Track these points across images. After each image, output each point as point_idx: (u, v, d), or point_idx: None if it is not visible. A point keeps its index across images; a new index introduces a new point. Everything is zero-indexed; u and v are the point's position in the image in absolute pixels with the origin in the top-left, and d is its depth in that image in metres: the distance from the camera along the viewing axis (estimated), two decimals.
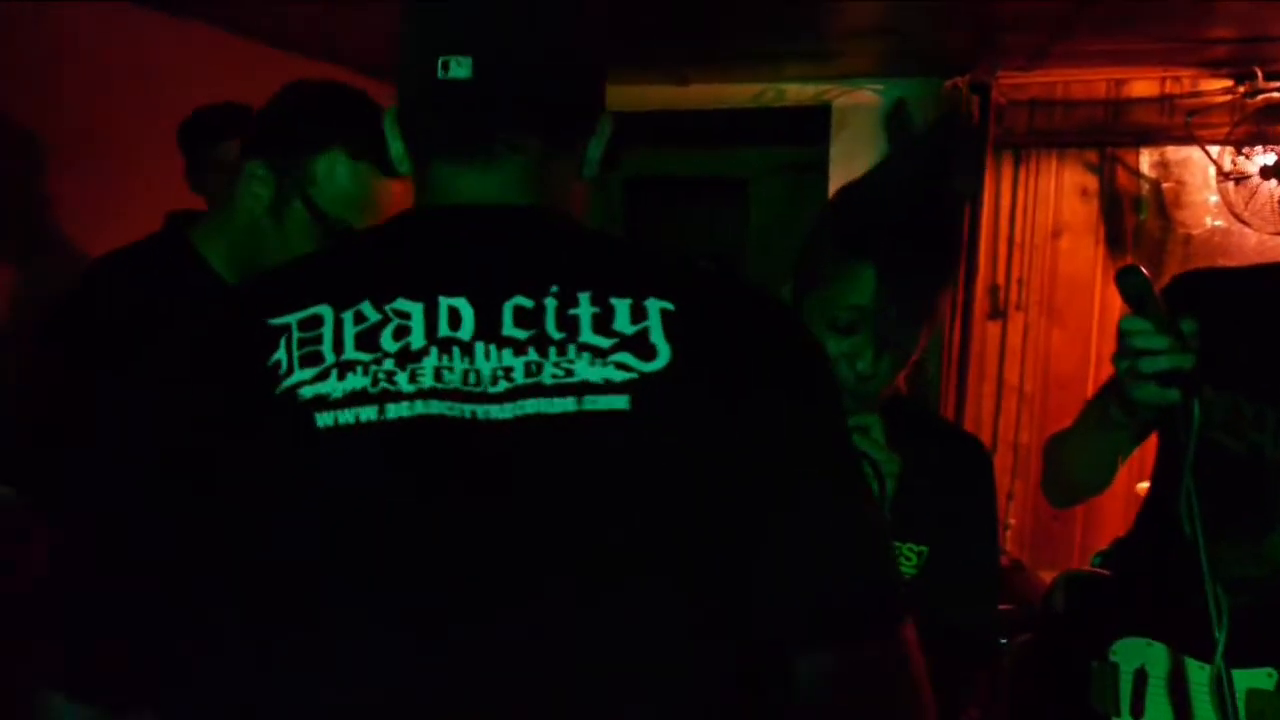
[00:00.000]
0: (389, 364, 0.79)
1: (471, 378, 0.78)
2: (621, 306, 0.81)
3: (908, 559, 1.27)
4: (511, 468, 0.78)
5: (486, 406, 0.77)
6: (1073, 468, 1.51)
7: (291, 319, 0.81)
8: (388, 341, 0.80)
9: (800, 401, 0.85)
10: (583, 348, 0.79)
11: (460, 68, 0.85)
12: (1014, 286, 3.49)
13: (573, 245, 0.89)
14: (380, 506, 0.77)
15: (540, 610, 0.77)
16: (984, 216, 3.42)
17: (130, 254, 1.52)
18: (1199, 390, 1.16)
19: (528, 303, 0.81)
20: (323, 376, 0.78)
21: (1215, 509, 1.15)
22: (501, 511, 0.77)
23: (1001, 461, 3.57)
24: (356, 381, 0.78)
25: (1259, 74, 3.03)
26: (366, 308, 0.81)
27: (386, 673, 0.77)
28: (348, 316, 0.80)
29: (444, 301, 0.81)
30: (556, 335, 0.80)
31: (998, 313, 3.51)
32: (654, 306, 0.81)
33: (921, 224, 1.21)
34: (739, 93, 3.69)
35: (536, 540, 0.77)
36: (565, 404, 0.77)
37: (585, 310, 0.81)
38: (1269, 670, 1.30)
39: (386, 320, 0.80)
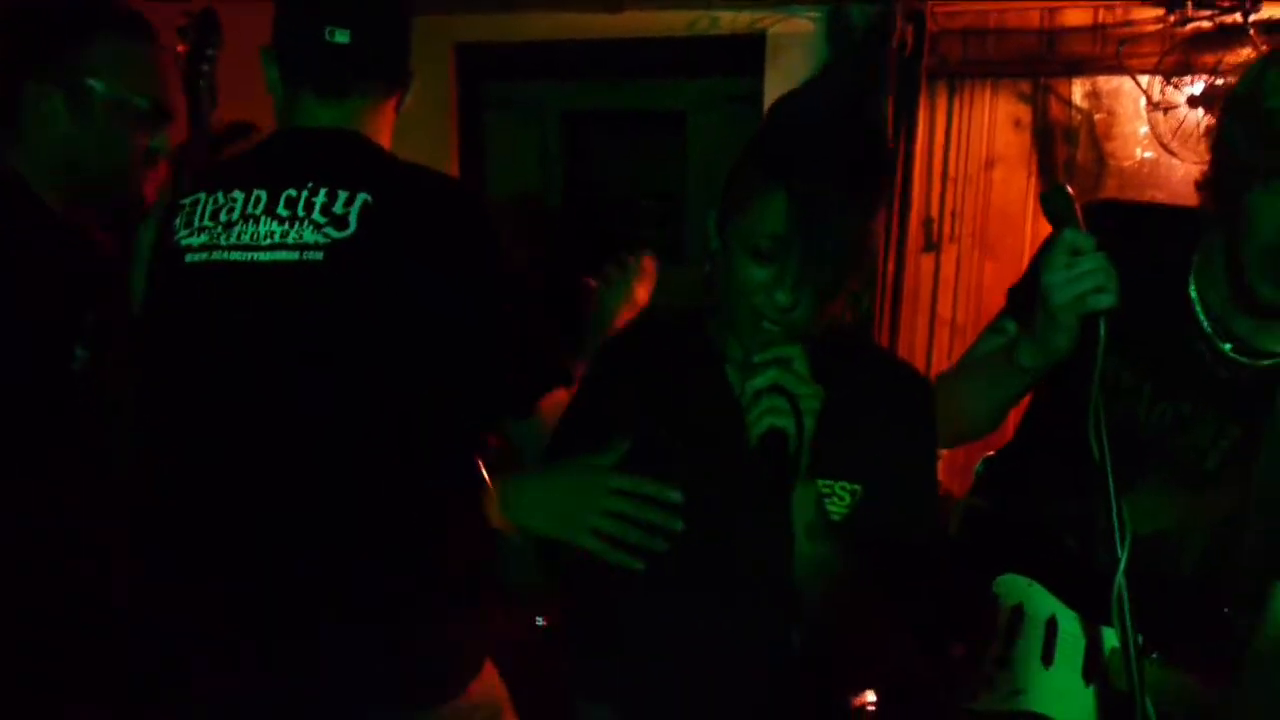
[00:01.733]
0: (219, 230, 1.39)
1: (254, 238, 1.36)
2: (341, 196, 1.35)
3: (840, 498, 1.22)
4: (263, 289, 1.35)
5: (257, 254, 1.35)
6: (968, 411, 1.50)
7: (186, 200, 1.45)
8: (222, 215, 1.40)
9: (463, 261, 1.35)
10: (311, 223, 1.34)
11: (342, 35, 1.39)
12: (947, 218, 3.49)
13: (344, 156, 1.42)
14: (202, 307, 1.40)
15: (269, 389, 1.36)
16: (918, 148, 3.40)
17: None
18: (1105, 314, 1.17)
19: (293, 193, 1.37)
20: (190, 234, 1.41)
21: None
22: (257, 316, 1.37)
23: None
24: (202, 239, 1.40)
25: (1189, 3, 3.02)
26: (219, 195, 1.41)
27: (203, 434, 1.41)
28: (209, 199, 1.42)
29: (253, 191, 1.39)
30: (300, 214, 1.35)
31: (931, 245, 3.51)
32: (360, 197, 1.34)
33: (845, 149, 1.14)
34: (673, 20, 3.61)
35: (276, 327, 1.36)
36: (293, 255, 1.34)
37: (320, 199, 1.35)
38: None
39: (226, 203, 1.41)
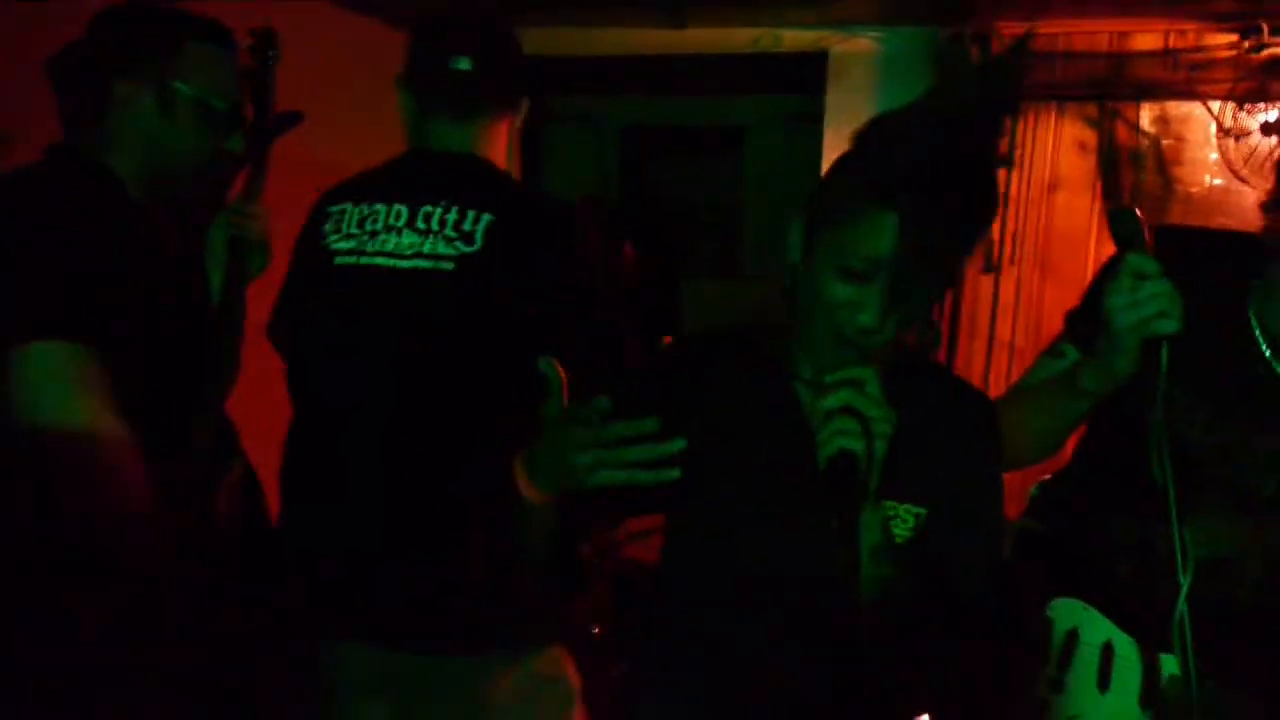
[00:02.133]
0: (365, 237, 1.63)
1: (396, 247, 1.60)
2: (470, 215, 1.58)
3: (904, 520, 1.20)
4: (403, 291, 1.58)
5: (398, 261, 1.59)
6: (1025, 434, 1.47)
7: (333, 209, 1.68)
8: (367, 224, 1.64)
9: (560, 273, 1.58)
10: (444, 237, 1.58)
11: (465, 64, 1.63)
12: (1008, 241, 3.47)
13: (472, 179, 1.65)
14: (348, 303, 1.62)
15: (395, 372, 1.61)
16: None
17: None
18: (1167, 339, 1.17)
19: (429, 209, 1.60)
20: (339, 239, 1.64)
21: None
22: (396, 313, 1.59)
23: None
24: (350, 244, 1.63)
25: (1264, 28, 2.97)
26: (364, 206, 1.65)
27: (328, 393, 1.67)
28: (355, 210, 1.66)
29: (394, 205, 1.64)
30: (435, 228, 1.59)
31: (991, 267, 3.48)
32: (485, 218, 1.58)
33: (959, 177, 1.08)
34: (737, 37, 3.63)
35: (411, 323, 1.59)
36: (429, 264, 1.57)
37: (452, 216, 1.59)
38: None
39: (370, 214, 1.64)
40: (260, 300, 1.78)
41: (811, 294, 1.16)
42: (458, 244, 1.55)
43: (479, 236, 1.55)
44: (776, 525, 1.23)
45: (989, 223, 1.13)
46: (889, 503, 1.19)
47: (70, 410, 1.35)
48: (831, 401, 1.07)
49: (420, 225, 1.59)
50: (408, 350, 1.59)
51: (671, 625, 1.32)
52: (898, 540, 1.19)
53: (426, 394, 1.58)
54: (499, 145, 1.70)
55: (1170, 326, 1.18)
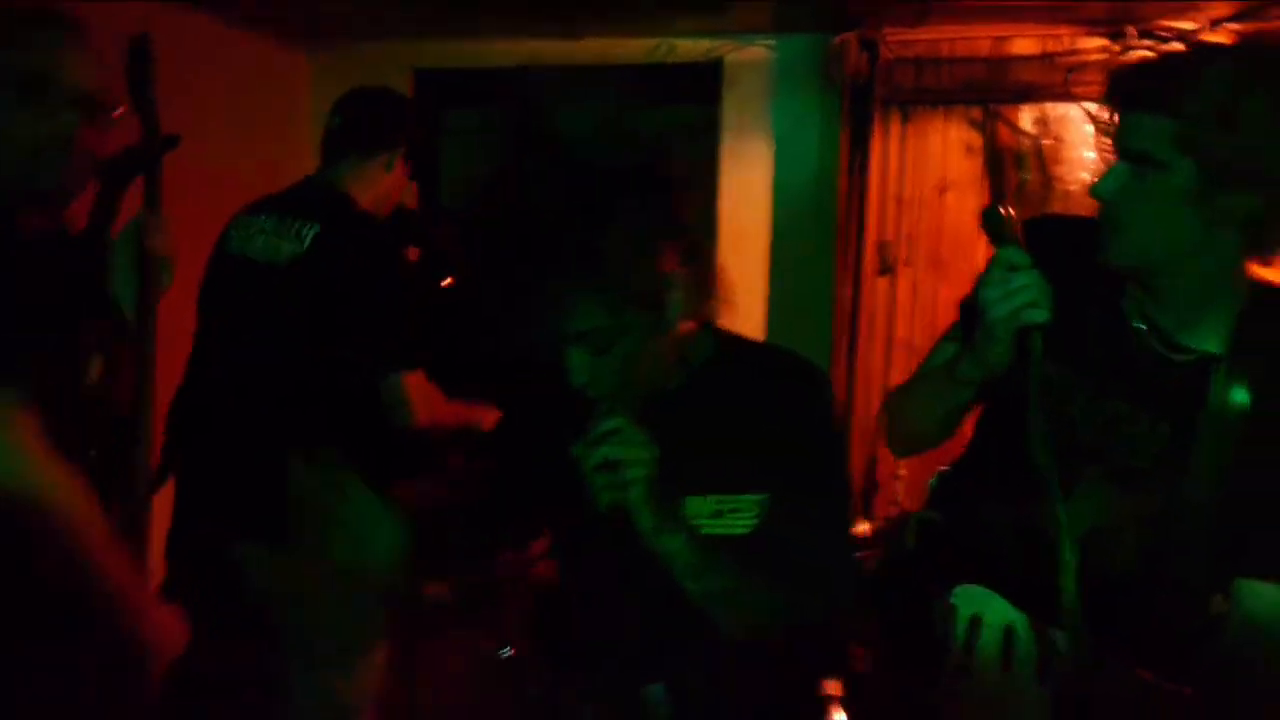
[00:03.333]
0: (247, 238, 2.19)
1: (263, 246, 2.15)
2: (307, 226, 2.13)
3: (746, 511, 1.22)
4: (258, 277, 2.13)
5: (259, 256, 2.15)
6: (915, 422, 1.53)
7: (239, 216, 2.26)
8: (252, 229, 2.19)
9: (367, 270, 2.08)
10: (287, 240, 2.12)
11: (335, 121, 2.28)
12: (902, 242, 3.55)
13: (321, 201, 2.18)
14: (230, 285, 2.23)
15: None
16: (872, 174, 3.46)
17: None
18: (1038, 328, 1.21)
19: (290, 221, 2.14)
20: (235, 238, 2.22)
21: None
22: (252, 293, 2.15)
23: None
24: (238, 241, 2.20)
25: (1132, 32, 3.12)
26: (256, 217, 2.21)
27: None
28: (248, 219, 2.23)
29: (270, 217, 2.19)
30: (286, 235, 2.13)
31: (886, 268, 3.56)
32: (314, 228, 2.12)
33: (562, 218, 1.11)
34: (632, 48, 3.65)
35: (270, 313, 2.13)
36: (273, 259, 2.13)
37: (297, 225, 2.13)
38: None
39: (255, 222, 2.20)
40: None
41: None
42: (293, 246, 2.11)
43: (306, 241, 2.10)
44: (603, 565, 1.29)
45: (656, 223, 1.14)
46: (725, 496, 1.22)
47: (21, 474, 1.26)
48: (591, 460, 1.09)
49: (277, 232, 2.14)
50: (257, 323, 2.11)
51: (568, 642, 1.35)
52: (742, 530, 1.21)
53: (265, 360, 2.09)
54: (373, 178, 2.25)
55: (1040, 316, 1.21)
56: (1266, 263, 1.29)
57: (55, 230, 1.61)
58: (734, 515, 1.22)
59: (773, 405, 1.25)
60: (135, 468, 1.63)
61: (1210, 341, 1.30)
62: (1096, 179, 1.30)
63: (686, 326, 1.22)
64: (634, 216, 1.11)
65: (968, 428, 1.56)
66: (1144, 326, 1.33)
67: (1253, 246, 1.25)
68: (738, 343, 1.34)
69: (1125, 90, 1.27)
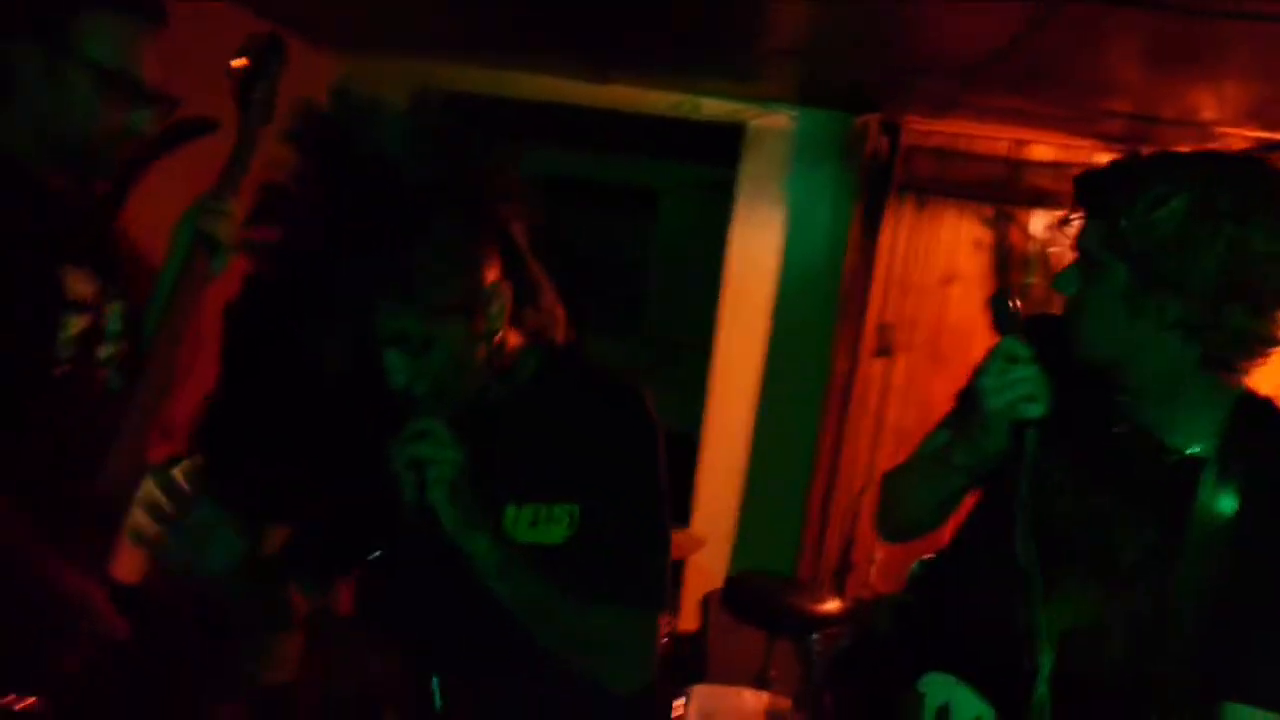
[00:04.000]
0: None
1: None
2: None
3: (559, 520, 1.27)
4: None
5: None
6: (908, 506, 1.52)
7: None
8: None
9: None
10: None
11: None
12: (903, 327, 3.56)
13: None
14: None
15: None
16: (880, 255, 3.49)
17: None
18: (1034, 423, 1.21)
19: None
20: None
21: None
22: None
23: (873, 497, 3.63)
24: None
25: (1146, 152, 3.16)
26: None
27: None
28: None
29: None
30: None
31: (885, 351, 3.57)
32: None
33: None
34: (658, 99, 3.69)
35: None
36: None
37: None
38: None
39: None
40: None
41: None
42: None
43: None
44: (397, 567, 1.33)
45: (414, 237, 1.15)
46: (540, 504, 1.27)
47: None
48: (400, 458, 1.14)
49: None
50: None
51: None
52: (555, 539, 1.26)
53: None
54: None
55: (1037, 410, 1.22)
56: (1237, 371, 1.29)
57: (79, 193, 1.63)
58: (549, 524, 1.26)
59: (590, 420, 1.30)
60: (115, 461, 1.54)
61: (1196, 443, 1.30)
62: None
63: (513, 338, 1.28)
64: (443, 229, 1.15)
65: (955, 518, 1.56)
66: (1124, 427, 1.33)
67: (1206, 352, 1.26)
68: (567, 360, 1.37)
69: (1079, 192, 1.34)
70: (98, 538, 1.52)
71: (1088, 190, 1.32)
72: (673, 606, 3.29)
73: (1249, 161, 1.27)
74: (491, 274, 1.20)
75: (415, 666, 1.30)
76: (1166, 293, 1.20)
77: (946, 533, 1.58)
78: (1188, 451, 1.29)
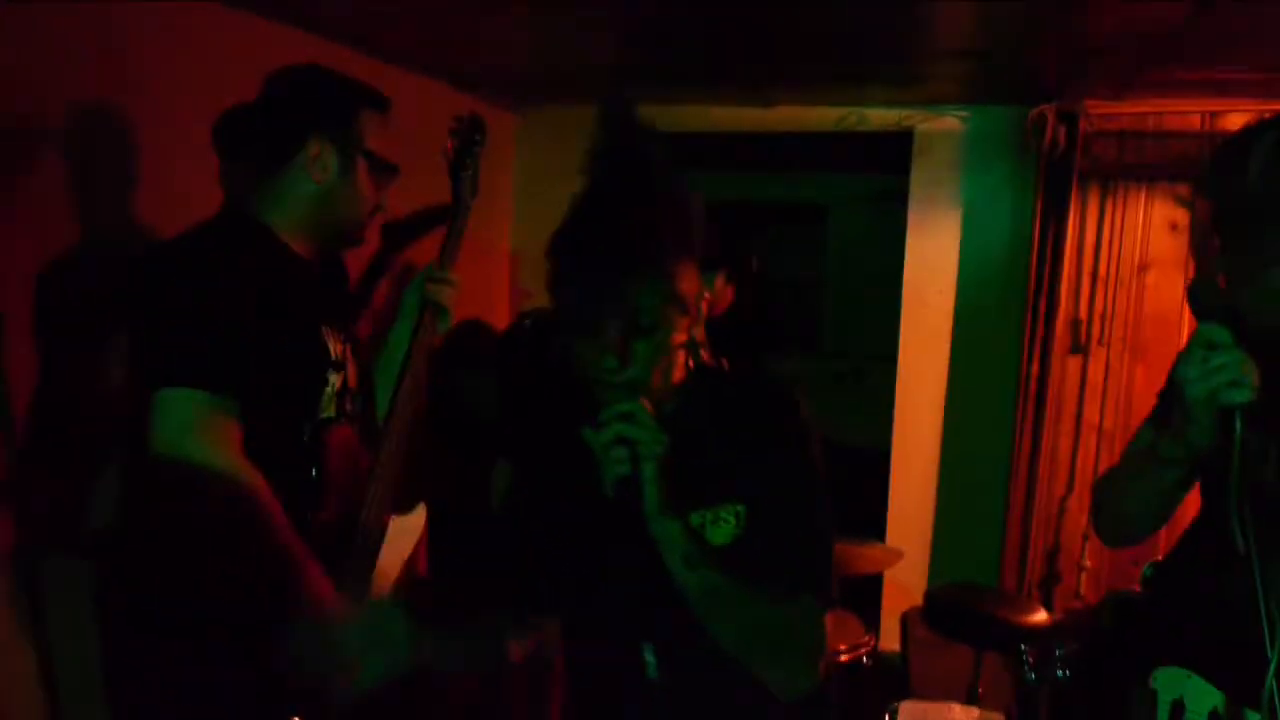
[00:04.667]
0: None
1: None
2: None
3: (727, 521, 1.30)
4: None
5: None
6: (1123, 507, 1.48)
7: None
8: None
9: None
10: None
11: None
12: (1096, 321, 3.40)
13: None
14: None
15: None
16: (1067, 249, 3.35)
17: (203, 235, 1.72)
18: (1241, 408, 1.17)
19: None
20: None
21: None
22: None
23: (1080, 501, 3.46)
24: None
25: None
26: None
27: None
28: None
29: None
30: None
31: (1079, 347, 3.41)
32: None
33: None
34: (822, 116, 3.69)
35: None
36: None
37: None
38: None
39: None
40: None
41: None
42: None
43: None
44: (587, 541, 1.38)
45: (658, 239, 1.24)
46: (708, 509, 1.30)
47: (206, 454, 1.51)
48: (604, 436, 1.18)
49: None
50: None
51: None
52: (725, 539, 1.29)
53: None
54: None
55: (1242, 396, 1.17)
56: None
57: (328, 263, 1.86)
58: (715, 526, 1.30)
59: (749, 421, 1.35)
60: (369, 513, 1.77)
61: None
62: None
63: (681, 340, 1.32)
64: (688, 232, 1.28)
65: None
66: None
67: None
68: (713, 366, 1.42)
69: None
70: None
71: None
72: (868, 622, 3.23)
73: None
74: (693, 283, 1.28)
75: (624, 637, 1.35)
76: None
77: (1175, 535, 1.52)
78: None
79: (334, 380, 1.74)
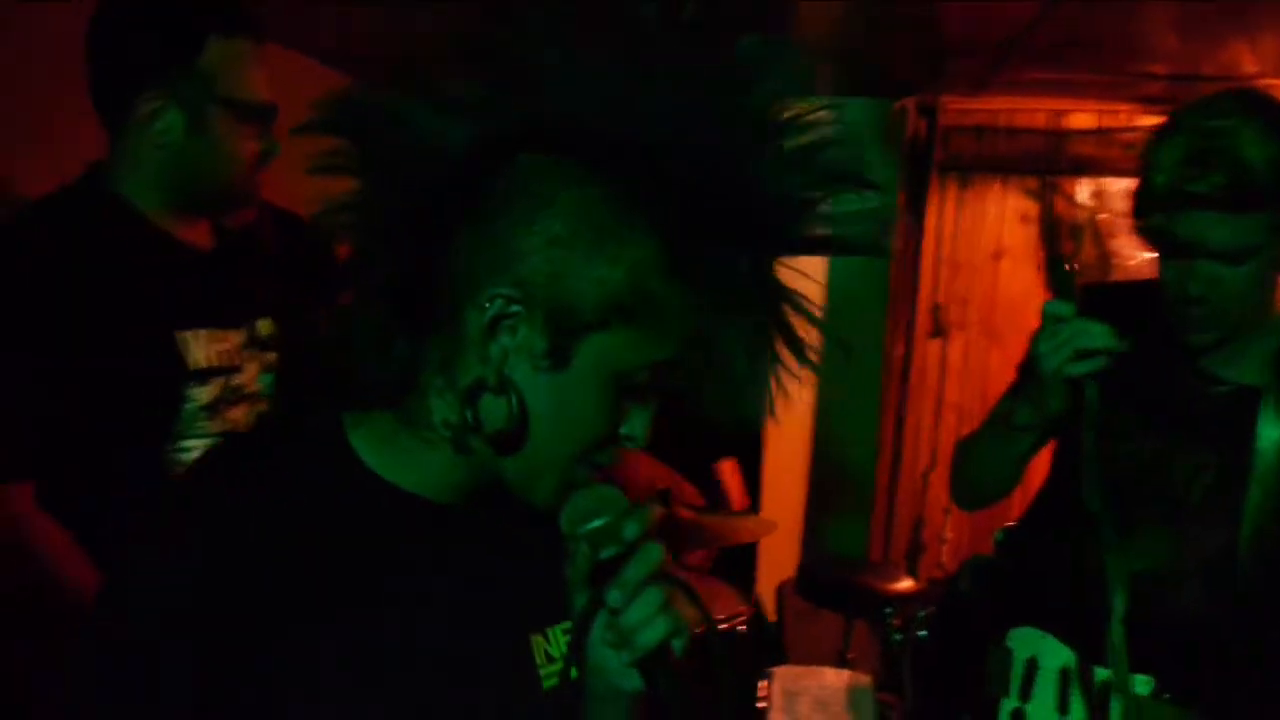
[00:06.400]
0: None
1: None
2: None
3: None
4: None
5: None
6: (979, 472, 1.56)
7: None
8: None
9: None
10: None
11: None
12: (956, 306, 3.59)
13: None
14: None
15: None
16: (927, 237, 3.52)
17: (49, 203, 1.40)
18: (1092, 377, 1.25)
19: None
20: None
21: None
22: None
23: (940, 476, 3.66)
24: None
25: None
26: None
27: None
28: None
29: None
30: None
31: (939, 331, 3.60)
32: None
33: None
34: None
35: None
36: None
37: None
38: (1147, 677, 1.33)
39: None
40: None
41: None
42: None
43: None
44: None
45: None
46: None
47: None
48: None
49: None
50: None
51: None
52: None
53: None
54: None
55: (1089, 366, 1.26)
56: None
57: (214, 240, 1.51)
58: None
59: None
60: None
61: (1248, 373, 1.33)
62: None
63: None
64: None
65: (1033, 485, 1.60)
66: (1180, 366, 1.37)
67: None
68: None
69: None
70: None
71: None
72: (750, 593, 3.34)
73: None
74: None
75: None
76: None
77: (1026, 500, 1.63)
78: (1239, 380, 1.33)
79: (203, 393, 1.39)
